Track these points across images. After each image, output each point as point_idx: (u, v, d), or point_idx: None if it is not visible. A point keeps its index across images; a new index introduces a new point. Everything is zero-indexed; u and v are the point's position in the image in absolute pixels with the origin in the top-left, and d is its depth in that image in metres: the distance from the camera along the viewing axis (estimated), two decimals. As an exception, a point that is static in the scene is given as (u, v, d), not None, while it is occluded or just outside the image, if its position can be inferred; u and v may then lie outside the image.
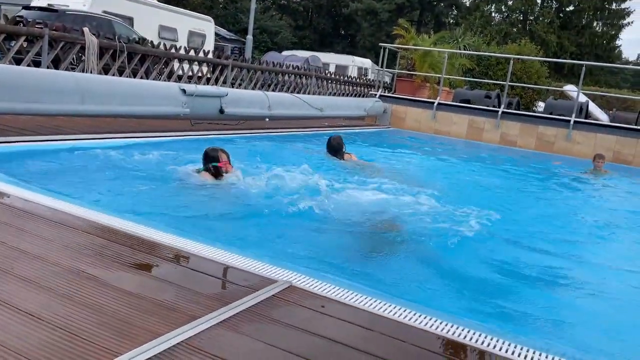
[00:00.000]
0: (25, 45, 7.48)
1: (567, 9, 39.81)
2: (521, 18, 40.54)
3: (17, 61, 7.44)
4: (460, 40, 17.14)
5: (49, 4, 12.28)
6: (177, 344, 1.71)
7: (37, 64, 7.51)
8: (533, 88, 16.34)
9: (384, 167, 6.48)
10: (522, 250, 3.96)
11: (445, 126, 12.37)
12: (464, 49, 16.14)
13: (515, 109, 12.70)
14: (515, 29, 38.49)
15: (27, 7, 12.26)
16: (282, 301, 2.15)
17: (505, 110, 11.97)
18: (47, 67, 7.35)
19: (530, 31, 36.81)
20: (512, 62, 12.79)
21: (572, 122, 11.17)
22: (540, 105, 17.24)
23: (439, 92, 13.05)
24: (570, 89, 16.54)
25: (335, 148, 6.34)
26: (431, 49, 14.60)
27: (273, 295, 2.18)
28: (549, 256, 3.93)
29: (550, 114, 12.05)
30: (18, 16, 8.81)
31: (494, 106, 12.54)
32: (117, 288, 2.08)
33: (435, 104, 12.49)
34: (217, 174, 4.45)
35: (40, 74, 5.78)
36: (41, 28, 7.44)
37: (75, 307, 1.88)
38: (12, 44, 7.46)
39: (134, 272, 2.31)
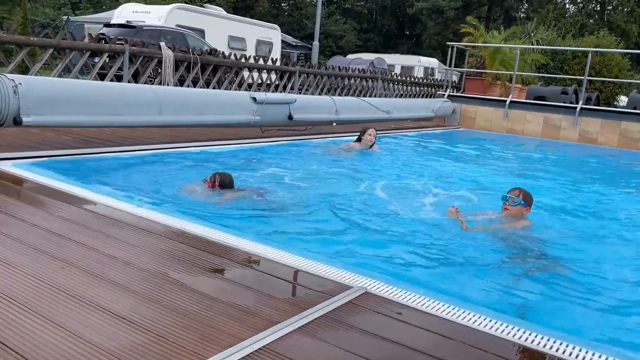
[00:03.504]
0: (107, 61, 7.97)
1: (650, -4, 37.21)
2: (598, 8, 38.35)
3: (101, 76, 7.96)
4: (532, 35, 16.49)
5: (127, 21, 13.01)
6: (260, 348, 1.75)
7: (118, 77, 7.99)
8: (614, 82, 15.41)
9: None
10: (602, 255, 3.72)
11: (519, 125, 11.92)
12: (537, 44, 15.50)
13: (594, 105, 12.03)
14: (591, 20, 36.48)
15: (107, 25, 13.05)
16: (358, 307, 2.15)
17: (584, 106, 11.36)
18: (128, 81, 7.80)
19: (608, 22, 34.71)
20: (590, 55, 12.12)
21: (659, 117, 10.44)
22: (623, 100, 16.26)
23: (511, 89, 12.60)
24: (656, 81, 15.48)
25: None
26: (502, 45, 14.13)
27: (349, 301, 2.19)
28: (627, 261, 3.68)
29: (634, 108, 11.32)
30: (100, 34, 9.40)
31: (571, 102, 11.94)
32: (199, 292, 2.16)
33: (508, 102, 12.06)
34: None
35: (123, 88, 6.14)
36: (122, 44, 7.90)
37: (161, 310, 1.98)
38: (96, 60, 7.98)
39: (214, 277, 2.40)
